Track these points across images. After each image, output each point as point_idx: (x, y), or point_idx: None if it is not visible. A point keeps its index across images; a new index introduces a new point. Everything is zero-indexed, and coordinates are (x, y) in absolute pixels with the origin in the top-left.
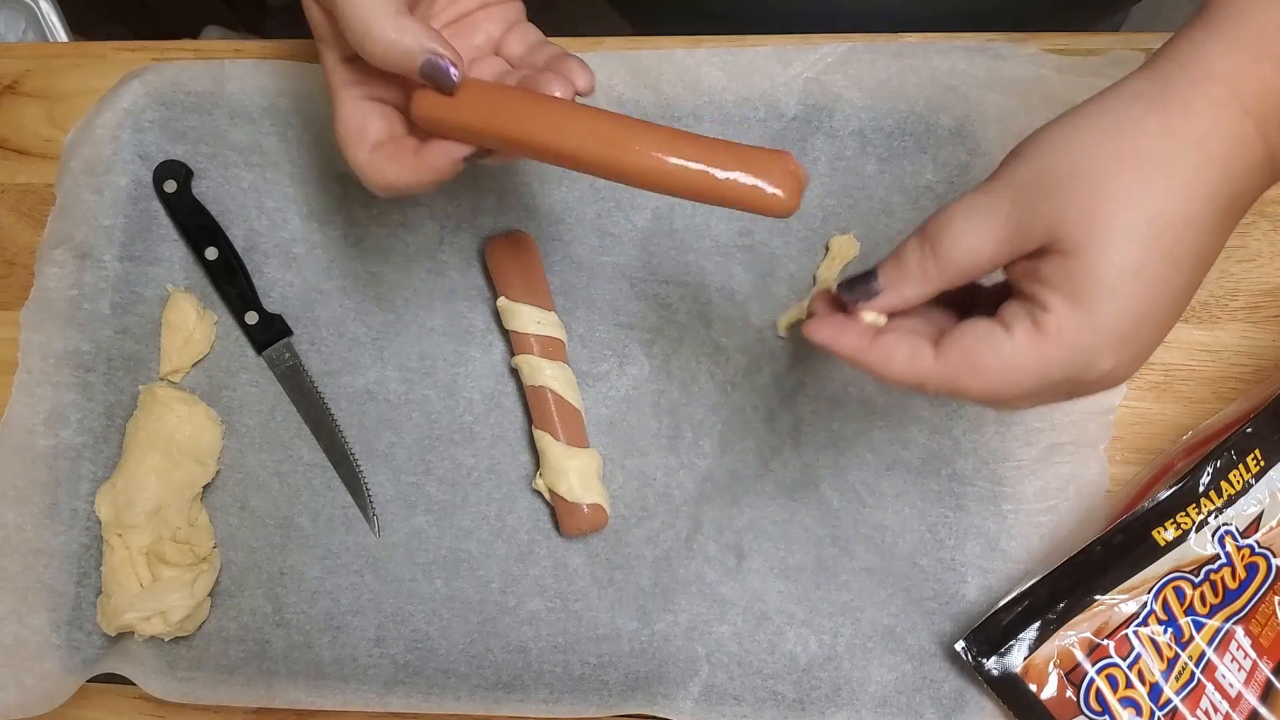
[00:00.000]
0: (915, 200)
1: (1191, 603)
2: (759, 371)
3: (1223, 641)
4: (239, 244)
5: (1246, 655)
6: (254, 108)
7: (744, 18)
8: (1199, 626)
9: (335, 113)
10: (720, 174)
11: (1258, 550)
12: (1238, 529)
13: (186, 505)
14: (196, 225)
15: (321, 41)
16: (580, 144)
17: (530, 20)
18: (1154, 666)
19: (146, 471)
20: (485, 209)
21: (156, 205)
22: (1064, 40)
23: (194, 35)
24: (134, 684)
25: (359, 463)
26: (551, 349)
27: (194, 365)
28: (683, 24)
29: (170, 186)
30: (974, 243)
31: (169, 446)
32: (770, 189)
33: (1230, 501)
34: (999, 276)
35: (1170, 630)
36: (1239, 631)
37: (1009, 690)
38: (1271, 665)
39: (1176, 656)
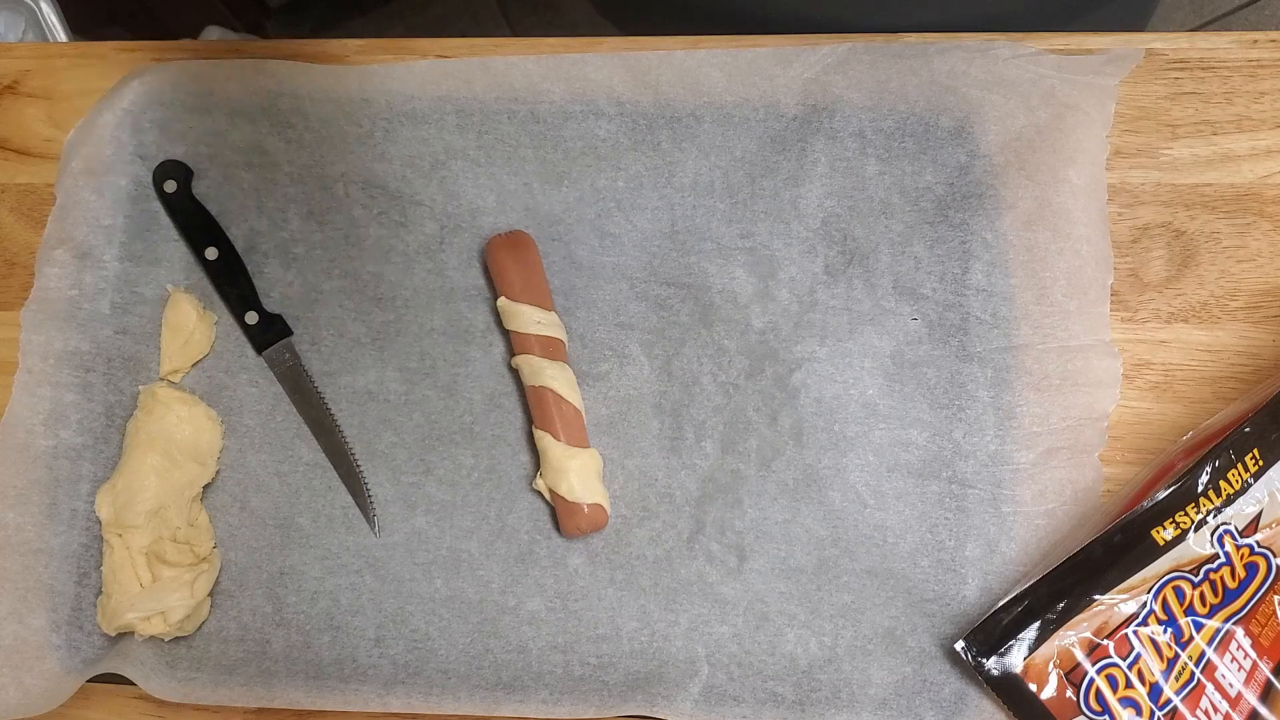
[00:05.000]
0: (915, 201)
1: (1191, 602)
2: (761, 373)
3: (1223, 641)
4: (239, 244)
5: (1246, 655)
6: (254, 108)
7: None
8: (1199, 626)
9: None
10: None
11: (1257, 550)
12: (1237, 528)
13: (186, 505)
14: (196, 225)
15: None
16: None
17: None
18: (1154, 666)
19: (146, 471)
20: (485, 209)
21: (156, 205)
22: (1064, 40)
23: (194, 35)
24: (134, 684)
25: (359, 463)
26: (552, 349)
27: (194, 365)
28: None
29: (170, 187)
30: None
31: (169, 446)
32: None
33: (1229, 501)
34: None
35: (1170, 630)
36: (1239, 631)
37: (1009, 690)
38: (1271, 665)
39: (1176, 656)
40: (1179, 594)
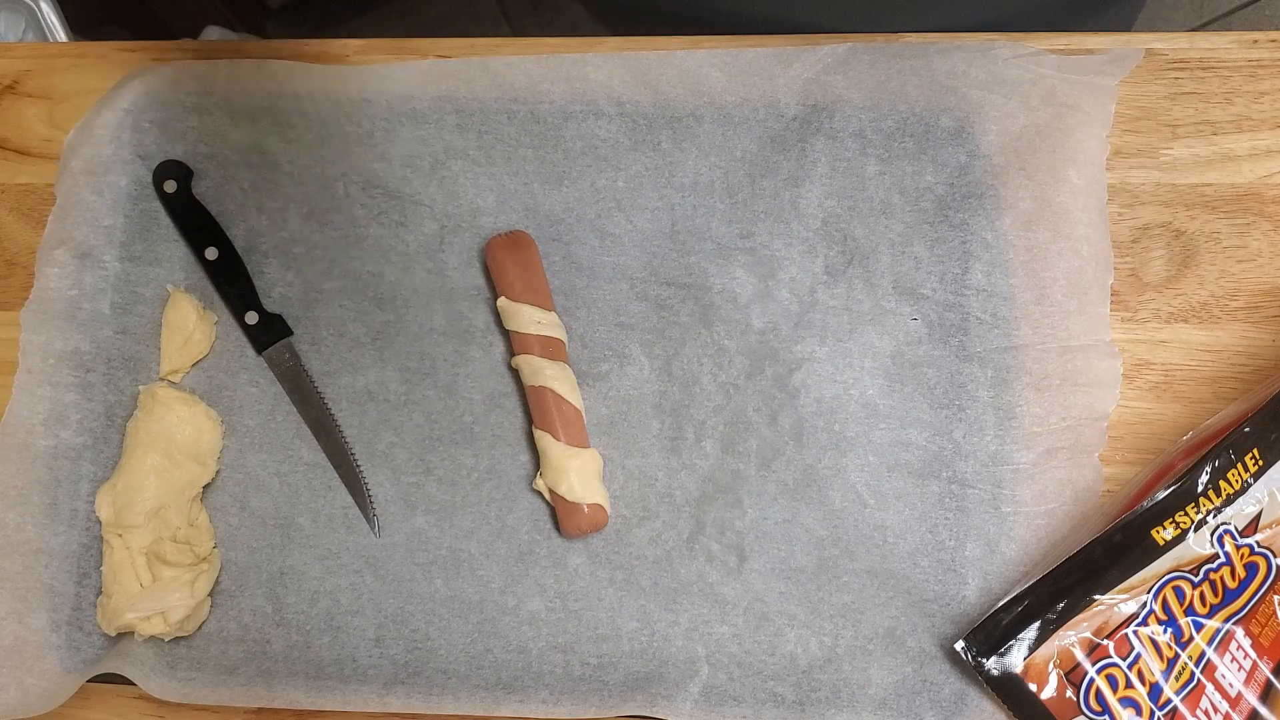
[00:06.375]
0: (915, 201)
1: (1191, 602)
2: (761, 373)
3: (1223, 641)
4: (239, 244)
5: (1246, 655)
6: (254, 108)
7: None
8: (1199, 626)
9: None
10: None
11: (1257, 550)
12: (1237, 528)
13: (186, 505)
14: (196, 225)
15: None
16: None
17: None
18: (1154, 666)
19: (146, 471)
20: (485, 209)
21: (156, 205)
22: (1064, 40)
23: (194, 35)
24: (134, 684)
25: (359, 463)
26: (552, 349)
27: (194, 365)
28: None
29: (170, 186)
30: None
31: (169, 446)
32: None
33: (1229, 501)
34: None
35: (1170, 630)
36: (1239, 632)
37: (1009, 690)
38: (1271, 665)
39: (1176, 656)
40: (1179, 594)
